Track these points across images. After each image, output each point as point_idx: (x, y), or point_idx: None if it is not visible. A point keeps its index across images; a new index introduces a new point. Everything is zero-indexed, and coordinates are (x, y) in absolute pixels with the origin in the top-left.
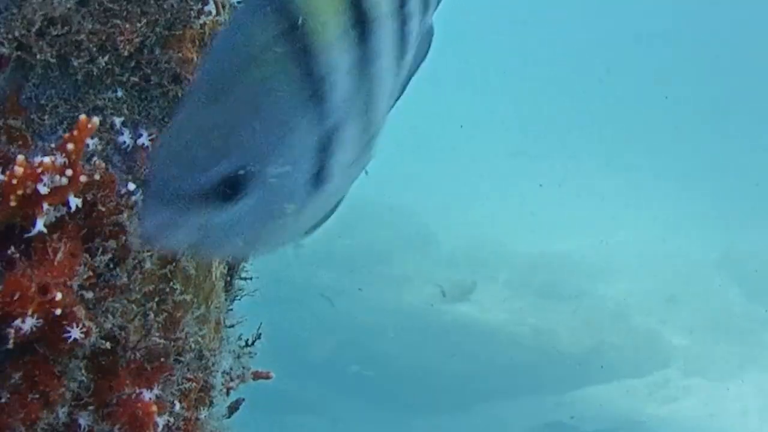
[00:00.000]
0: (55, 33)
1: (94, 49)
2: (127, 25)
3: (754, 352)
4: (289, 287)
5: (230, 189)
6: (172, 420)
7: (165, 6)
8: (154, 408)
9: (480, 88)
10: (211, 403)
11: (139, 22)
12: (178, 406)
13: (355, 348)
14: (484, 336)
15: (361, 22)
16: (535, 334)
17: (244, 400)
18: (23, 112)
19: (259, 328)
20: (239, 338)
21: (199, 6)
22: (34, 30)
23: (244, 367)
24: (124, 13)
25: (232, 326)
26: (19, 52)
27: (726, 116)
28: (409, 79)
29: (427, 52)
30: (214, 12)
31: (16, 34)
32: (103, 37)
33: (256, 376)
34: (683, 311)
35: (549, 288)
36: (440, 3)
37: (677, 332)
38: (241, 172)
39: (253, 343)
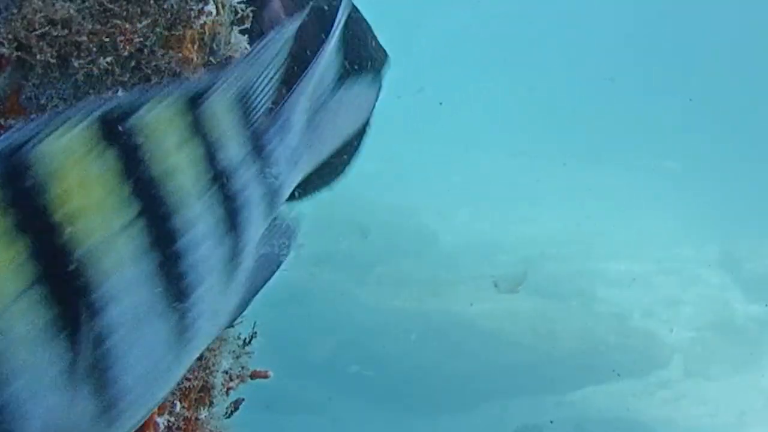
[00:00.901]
0: (55, 34)
1: (95, 49)
2: (128, 26)
3: (754, 352)
4: (289, 287)
5: None
6: (172, 420)
7: (165, 6)
8: (154, 408)
9: (480, 87)
10: (211, 403)
11: (140, 22)
12: (178, 406)
13: (355, 348)
14: (484, 336)
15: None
16: (535, 334)
17: (244, 400)
18: (23, 112)
19: (254, 326)
20: (238, 338)
21: (200, 6)
22: (35, 33)
23: (243, 367)
24: (124, 14)
25: (231, 326)
26: (19, 52)
27: (726, 116)
28: (242, 306)
29: (281, 260)
30: (214, 12)
31: (17, 35)
32: (104, 38)
33: (255, 375)
34: (683, 311)
35: (549, 288)
36: (274, 210)
37: (677, 332)
38: None
39: (249, 342)
